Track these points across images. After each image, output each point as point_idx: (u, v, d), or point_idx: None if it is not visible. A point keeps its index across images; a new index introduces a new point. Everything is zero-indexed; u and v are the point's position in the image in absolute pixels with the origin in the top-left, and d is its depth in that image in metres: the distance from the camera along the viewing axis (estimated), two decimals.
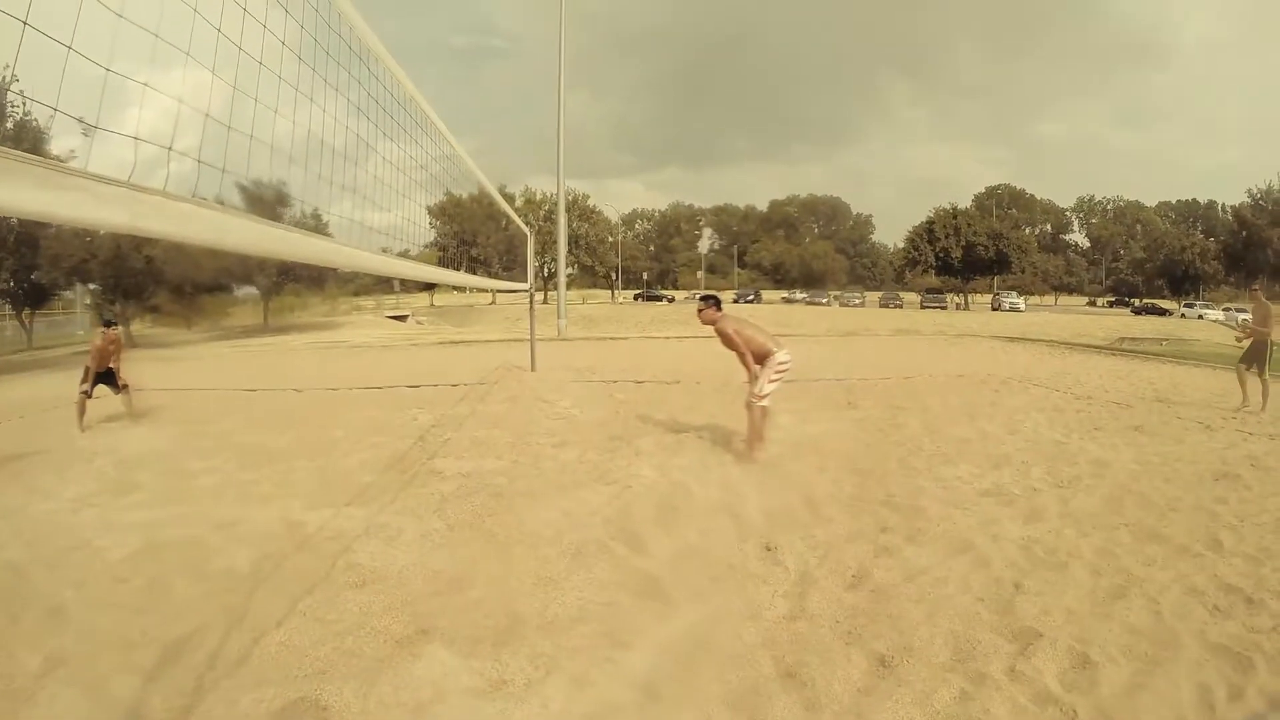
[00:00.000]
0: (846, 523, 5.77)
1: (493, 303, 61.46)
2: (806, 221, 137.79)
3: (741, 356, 7.89)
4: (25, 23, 1.80)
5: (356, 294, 64.45)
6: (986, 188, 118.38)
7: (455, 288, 67.05)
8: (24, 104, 27.74)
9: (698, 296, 8.56)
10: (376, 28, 4.09)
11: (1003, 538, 5.43)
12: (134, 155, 2.38)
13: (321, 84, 3.57)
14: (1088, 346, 24.38)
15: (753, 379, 7.82)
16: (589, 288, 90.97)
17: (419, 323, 51.56)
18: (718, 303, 8.22)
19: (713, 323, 8.03)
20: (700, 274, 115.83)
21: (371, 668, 3.82)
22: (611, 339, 27.60)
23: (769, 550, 5.19)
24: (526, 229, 16.67)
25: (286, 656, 4.02)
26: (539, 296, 16.68)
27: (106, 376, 11.81)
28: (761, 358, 7.86)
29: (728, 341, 7.93)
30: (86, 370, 11.66)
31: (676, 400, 11.44)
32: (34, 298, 37.28)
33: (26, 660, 4.29)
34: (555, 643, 3.98)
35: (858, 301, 74.69)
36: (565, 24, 32.22)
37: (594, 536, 5.41)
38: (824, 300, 77.87)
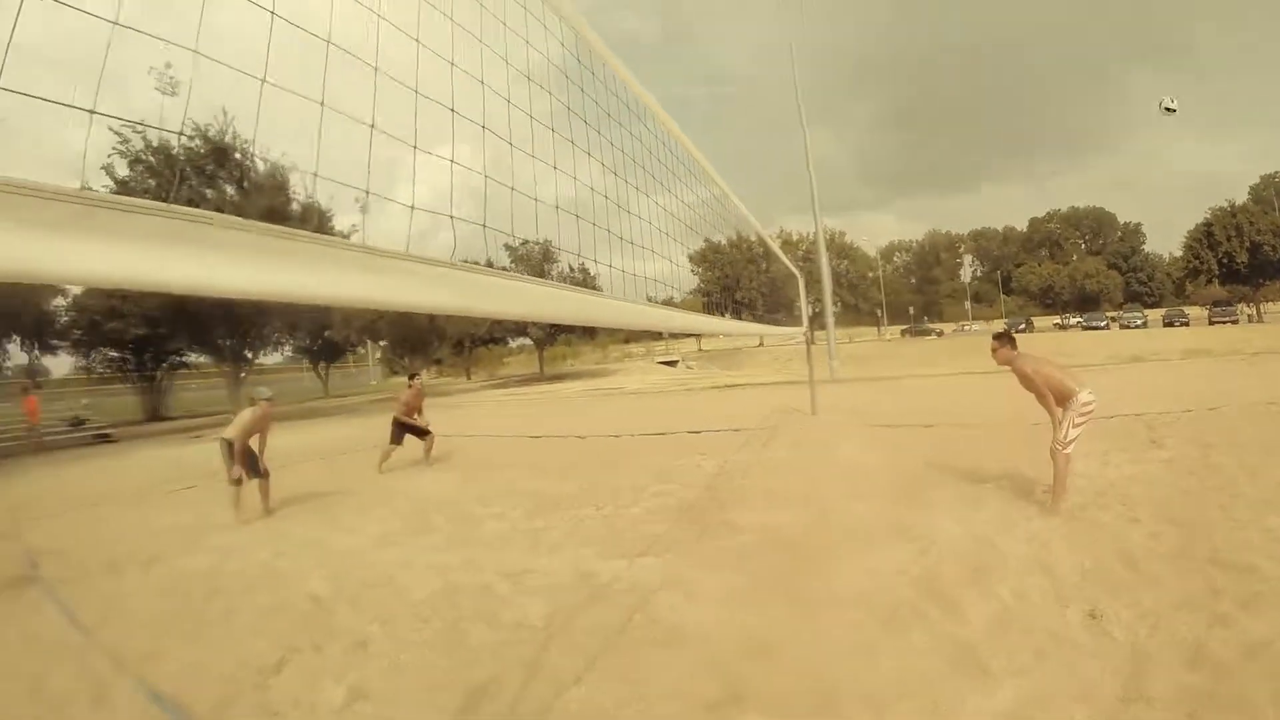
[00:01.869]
0: (1173, 584, 4.98)
1: (760, 345, 61.45)
2: (1071, 237, 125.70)
3: (1042, 399, 7.13)
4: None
5: (626, 341, 66.22)
6: (1261, 177, 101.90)
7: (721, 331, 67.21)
8: (309, 183, 31.03)
9: (992, 335, 7.83)
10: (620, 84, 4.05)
11: None
12: (409, 225, 2.46)
13: (578, 141, 3.56)
14: None
15: (1056, 424, 7.05)
16: (853, 325, 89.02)
17: (689, 367, 52.31)
18: (1012, 340, 7.48)
19: (1008, 363, 7.32)
20: (967, 304, 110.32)
21: None
22: (886, 379, 26.51)
23: (1093, 618, 4.56)
24: (796, 270, 16.35)
25: (590, 715, 3.86)
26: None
27: (410, 426, 12.68)
28: (1063, 399, 7.09)
29: (1026, 382, 7.20)
30: (395, 421, 12.57)
31: (966, 445, 10.63)
32: (329, 353, 40.98)
33: (330, 692, 4.37)
34: (877, 718, 3.62)
35: (1139, 322, 65.95)
36: (796, 64, 31.97)
37: (904, 598, 4.95)
38: (1101, 323, 69.05)
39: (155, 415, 37.03)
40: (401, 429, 12.76)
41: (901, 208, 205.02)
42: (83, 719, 4.37)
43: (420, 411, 13.01)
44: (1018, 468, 8.62)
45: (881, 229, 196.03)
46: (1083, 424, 7.09)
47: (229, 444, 9.47)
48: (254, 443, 9.79)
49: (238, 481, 9.44)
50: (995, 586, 5.05)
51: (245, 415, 9.65)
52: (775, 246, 16.80)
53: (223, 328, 30.24)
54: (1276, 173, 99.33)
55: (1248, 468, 8.14)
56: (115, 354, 34.07)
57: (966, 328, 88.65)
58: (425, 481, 11.32)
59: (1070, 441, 7.01)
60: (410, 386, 13.07)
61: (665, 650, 4.52)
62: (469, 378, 50.90)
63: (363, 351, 51.64)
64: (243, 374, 33.57)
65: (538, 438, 16.39)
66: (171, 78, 24.46)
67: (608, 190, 3.85)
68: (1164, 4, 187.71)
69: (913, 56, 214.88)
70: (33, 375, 32.24)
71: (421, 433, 12.93)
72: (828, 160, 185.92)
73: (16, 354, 31.12)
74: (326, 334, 39.25)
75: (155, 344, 30.81)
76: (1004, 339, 7.49)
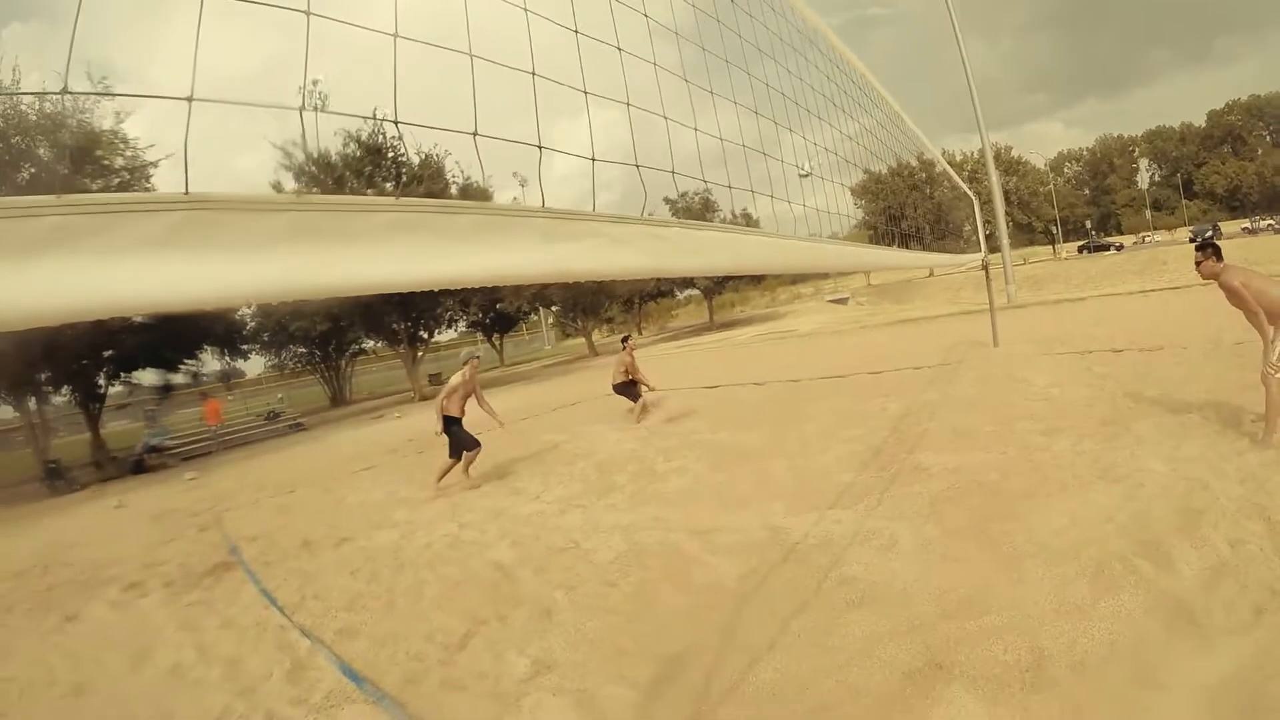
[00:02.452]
0: None
1: (930, 275, 59.54)
2: (1255, 129, 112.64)
3: (1252, 317, 6.34)
4: None
5: (794, 281, 65.35)
6: None
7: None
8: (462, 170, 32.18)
9: (1194, 245, 7.02)
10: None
11: None
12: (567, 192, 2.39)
13: (727, 85, 3.38)
14: None
15: (1268, 345, 6.21)
16: (1026, 245, 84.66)
17: (859, 304, 51.22)
18: (1217, 250, 6.68)
19: (1214, 276, 6.55)
20: (1147, 213, 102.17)
21: (881, 709, 3.35)
22: (1067, 301, 25.05)
23: None
24: (971, 194, 15.52)
25: (785, 687, 3.68)
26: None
27: (626, 387, 13.04)
28: (1276, 317, 6.25)
29: (1234, 298, 6.41)
30: (616, 386, 12.98)
31: (1165, 371, 9.72)
32: (502, 324, 42.29)
33: (514, 663, 4.32)
34: (1090, 686, 3.26)
35: None
36: None
37: (1113, 549, 4.50)
38: None
39: (341, 400, 39.08)
40: (627, 388, 13.20)
41: (1068, 115, 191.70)
42: (280, 694, 4.47)
43: (636, 371, 13.30)
44: (1223, 395, 7.86)
45: (1049, 139, 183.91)
46: None
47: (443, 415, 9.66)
48: (469, 406, 9.94)
49: (458, 452, 9.71)
50: (1208, 534, 4.51)
51: (455, 379, 9.82)
52: (944, 163, 15.98)
53: (397, 314, 31.46)
54: None
55: None
56: (302, 350, 36.03)
57: (1148, 239, 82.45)
58: (607, 440, 11.38)
59: None
60: (624, 349, 13.35)
61: (861, 612, 4.27)
62: (640, 333, 51.41)
63: (535, 319, 52.95)
64: (419, 353, 34.83)
65: (714, 388, 16.23)
66: (321, 93, 25.52)
67: (761, 131, 3.63)
68: None
69: None
70: (226, 378, 34.23)
71: (635, 395, 13.28)
72: (984, 72, 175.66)
73: (210, 361, 33.07)
74: (499, 306, 40.36)
75: (336, 336, 32.29)
76: (1209, 249, 6.70)
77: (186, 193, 1.18)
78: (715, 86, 3.35)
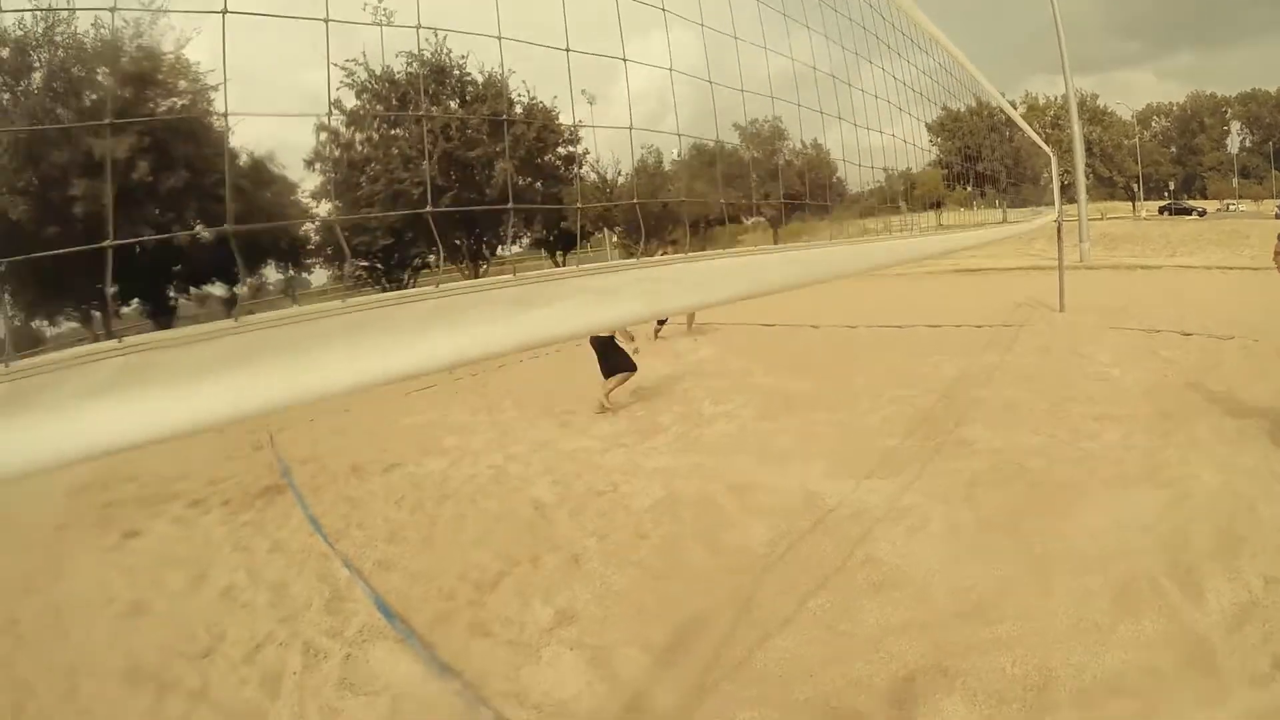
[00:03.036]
0: None
1: (1003, 221, 58.11)
2: None
3: None
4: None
5: (862, 215, 64.24)
6: None
7: (961, 205, 64.61)
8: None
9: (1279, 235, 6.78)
10: None
11: None
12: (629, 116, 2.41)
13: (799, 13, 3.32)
14: None
15: None
16: (1105, 199, 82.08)
17: None
18: None
19: None
20: (1234, 180, 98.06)
21: (877, 709, 3.39)
22: (1141, 268, 24.29)
23: None
24: (1049, 151, 15.07)
25: (790, 670, 3.74)
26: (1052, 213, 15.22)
27: None
28: None
29: None
30: None
31: (1234, 364, 9.34)
32: (564, 243, 42.34)
33: (539, 612, 4.45)
34: (1087, 717, 3.22)
35: None
36: None
37: (1144, 567, 4.37)
38: None
39: None
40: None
41: (1161, 65, 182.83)
42: (317, 624, 4.64)
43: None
44: None
45: (1138, 89, 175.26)
46: None
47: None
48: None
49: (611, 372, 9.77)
50: (1245, 566, 4.34)
51: None
52: (1022, 122, 15.50)
53: (460, 230, 31.58)
54: None
55: None
56: (364, 264, 36.33)
57: (1232, 207, 79.45)
58: (655, 376, 11.37)
59: None
60: None
61: (878, 598, 4.30)
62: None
63: (599, 237, 52.98)
64: (483, 268, 35.00)
65: (770, 326, 16.12)
66: (386, 9, 25.41)
67: (832, 60, 3.58)
68: None
69: None
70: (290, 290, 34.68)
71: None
72: (1075, 11, 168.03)
73: (273, 274, 33.50)
74: (562, 224, 40.47)
75: (399, 250, 32.54)
76: None
77: (120, 342, 1.22)
78: (789, 9, 3.30)
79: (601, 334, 12.67)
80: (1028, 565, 4.51)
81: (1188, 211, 68.91)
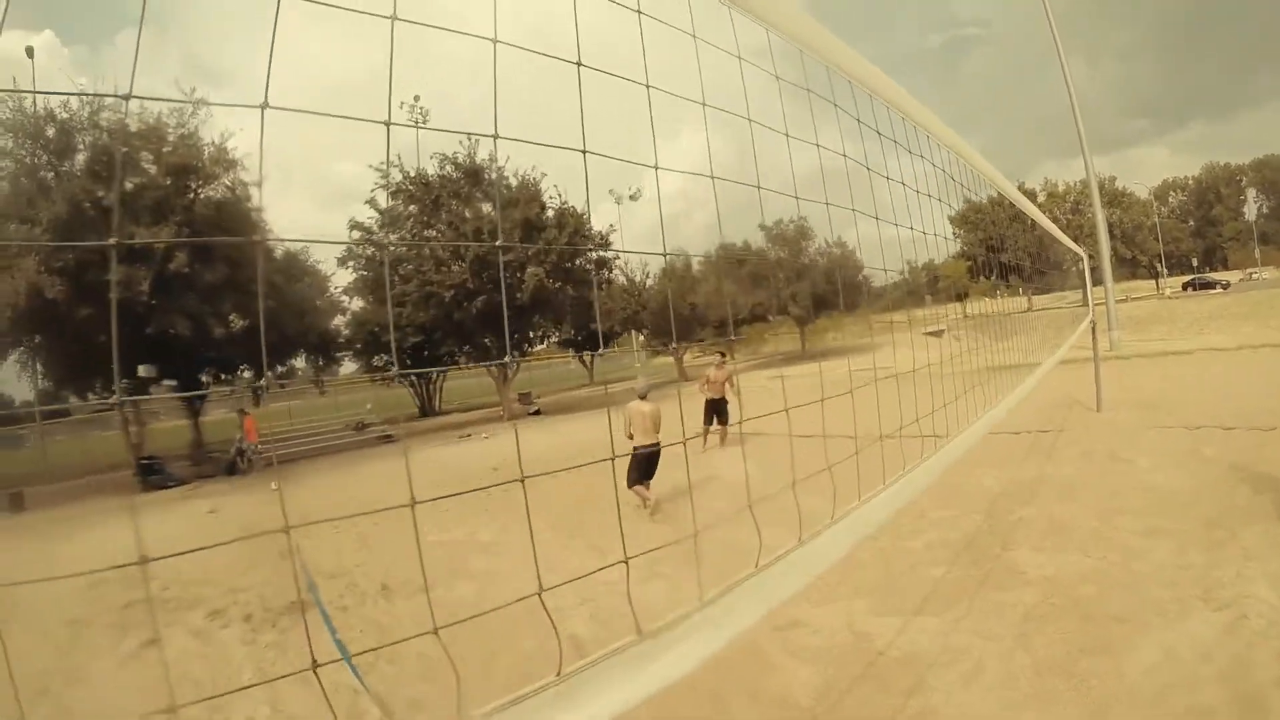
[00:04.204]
0: None
1: (1029, 309, 57.98)
2: None
3: None
4: None
5: (887, 309, 64.38)
6: None
7: (985, 294, 64.72)
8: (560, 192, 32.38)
9: None
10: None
11: None
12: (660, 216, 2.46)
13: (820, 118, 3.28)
14: None
15: None
16: (1128, 279, 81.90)
17: (956, 338, 50.03)
18: None
19: None
20: (1255, 248, 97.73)
21: None
22: (1172, 353, 23.96)
23: None
24: (1080, 250, 14.98)
25: None
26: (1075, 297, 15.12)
27: (717, 406, 13.03)
28: None
29: None
30: (706, 403, 12.80)
31: (1277, 457, 9.20)
32: (591, 344, 42.99)
33: None
34: None
35: None
36: None
37: (1206, 700, 4.20)
38: None
39: (430, 410, 39.65)
40: (712, 408, 13.17)
41: (1172, 139, 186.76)
42: None
43: (730, 388, 13.23)
44: None
45: (1153, 165, 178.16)
46: None
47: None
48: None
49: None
50: None
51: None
52: (1054, 228, 15.44)
53: (489, 330, 31.95)
54: None
55: None
56: (393, 359, 36.58)
57: (1254, 275, 79.87)
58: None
59: None
60: (720, 366, 13.42)
61: None
62: (732, 356, 51.28)
63: (625, 336, 53.46)
64: (511, 371, 35.24)
65: (808, 436, 15.79)
66: (422, 109, 26.12)
67: (856, 161, 3.56)
68: None
69: None
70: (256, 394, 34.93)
71: (723, 415, 13.16)
72: (1086, 95, 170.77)
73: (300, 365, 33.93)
74: (590, 325, 40.87)
75: (428, 348, 32.86)
76: None
77: None
78: (814, 108, 3.28)
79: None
80: (1086, 711, 4.31)
81: (1212, 285, 68.84)
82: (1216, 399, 13.98)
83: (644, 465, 10.11)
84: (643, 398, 10.41)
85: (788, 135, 2.89)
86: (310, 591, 8.19)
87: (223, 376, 29.74)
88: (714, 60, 2.50)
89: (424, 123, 26.14)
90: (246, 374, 29.85)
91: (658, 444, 10.07)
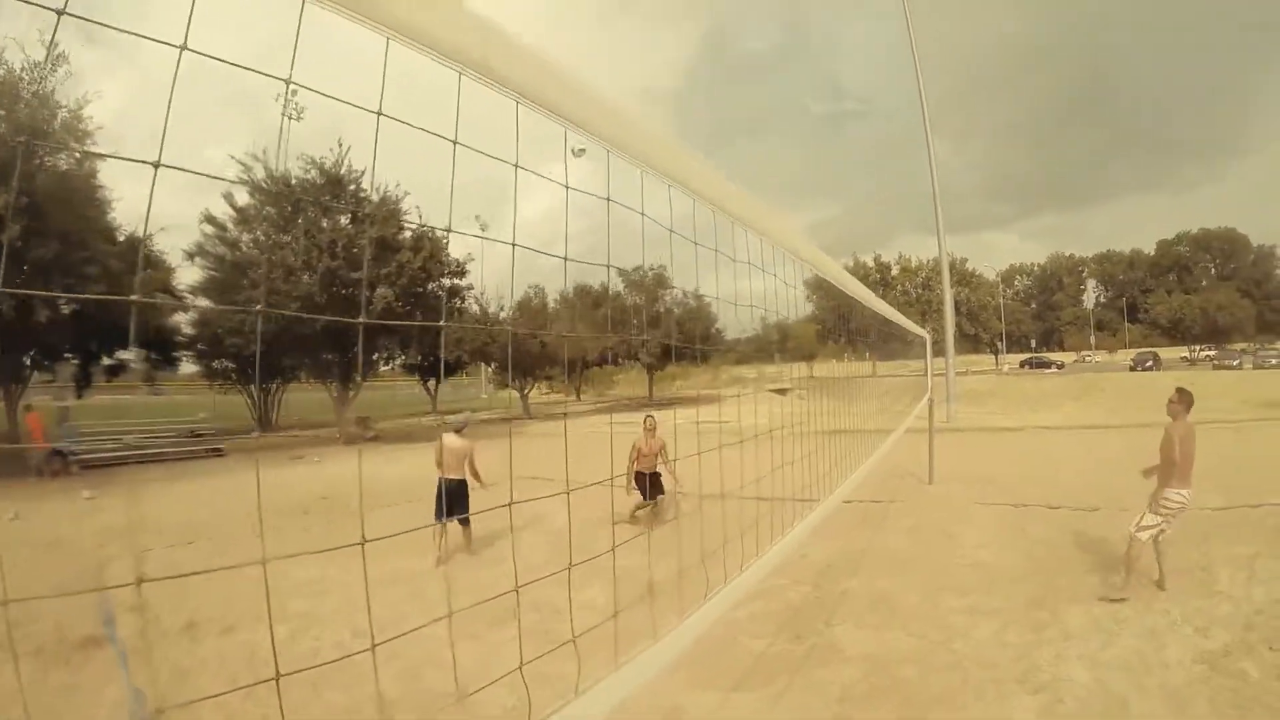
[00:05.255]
0: None
1: (873, 374, 59.81)
2: (1201, 262, 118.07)
3: (1164, 470, 7.47)
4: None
5: (738, 363, 65.35)
6: None
7: (834, 357, 67.14)
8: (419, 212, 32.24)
9: (1178, 389, 7.75)
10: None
11: None
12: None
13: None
14: None
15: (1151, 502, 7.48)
16: (970, 353, 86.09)
17: (800, 397, 51.00)
18: (1190, 402, 7.69)
19: (1176, 417, 7.60)
20: (1090, 333, 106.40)
21: None
22: (1006, 430, 25.01)
23: None
24: (924, 333, 15.39)
25: None
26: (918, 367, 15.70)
27: (651, 480, 11.73)
28: (1168, 481, 7.44)
29: (1168, 447, 7.41)
30: (636, 476, 11.58)
31: (1099, 538, 9.58)
32: (436, 372, 42.18)
33: None
34: None
35: (1276, 361, 58.30)
36: (920, 76, 30.64)
37: None
38: (1234, 361, 62.76)
39: (266, 424, 37.99)
40: (642, 480, 11.62)
41: (1026, 227, 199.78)
42: None
43: (664, 462, 11.59)
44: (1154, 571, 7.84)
45: (1004, 249, 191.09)
46: (1165, 517, 7.44)
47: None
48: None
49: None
50: None
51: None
52: (896, 314, 15.81)
53: (331, 347, 30.92)
54: None
55: None
56: (234, 366, 34.93)
57: (1087, 357, 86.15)
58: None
59: (1146, 528, 7.46)
60: (652, 433, 11.68)
61: None
62: (578, 397, 51.12)
63: (475, 368, 52.64)
64: (353, 391, 34.16)
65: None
66: (297, 104, 25.14)
67: (717, 213, 3.43)
68: None
69: (1048, 56, 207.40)
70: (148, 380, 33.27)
71: (657, 489, 11.74)
72: (951, 175, 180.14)
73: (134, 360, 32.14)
74: (436, 355, 40.04)
75: (269, 359, 31.59)
76: (1186, 397, 7.64)
77: None
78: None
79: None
80: None
81: (1047, 365, 73.23)
82: (1043, 477, 14.63)
83: (447, 500, 9.87)
84: (458, 432, 10.49)
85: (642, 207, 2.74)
86: (106, 626, 7.43)
87: (46, 364, 27.93)
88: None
89: (299, 118, 24.88)
90: (71, 364, 28.12)
91: (464, 479, 10.18)
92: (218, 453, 27.05)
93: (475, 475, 10.36)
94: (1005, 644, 6.47)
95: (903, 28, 30.54)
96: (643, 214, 2.63)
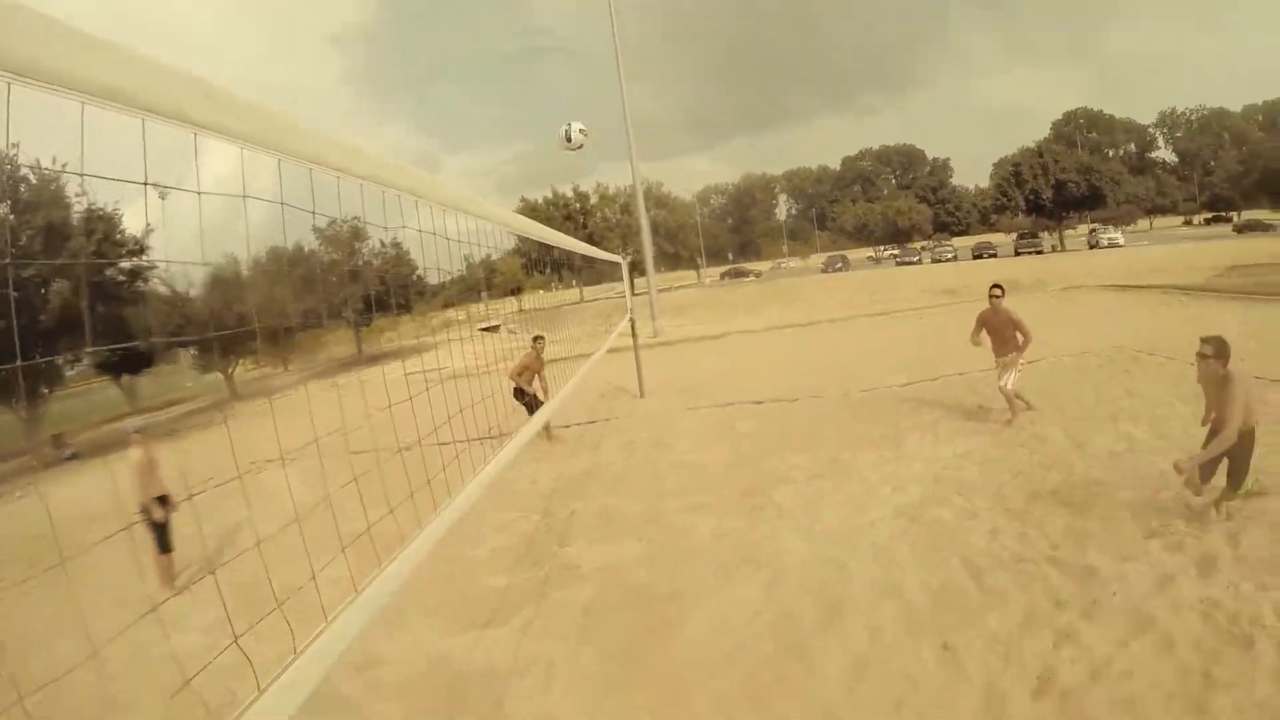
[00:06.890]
0: (1018, 598, 4.99)
1: (580, 301, 60.82)
2: (883, 174, 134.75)
3: (997, 345, 9.42)
4: None
5: (446, 306, 64.68)
6: (1065, 113, 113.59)
7: (541, 288, 67.85)
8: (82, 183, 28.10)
9: (993, 284, 9.64)
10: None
11: (1181, 604, 4.61)
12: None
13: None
14: (1205, 291, 20.47)
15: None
16: (672, 269, 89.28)
17: (511, 332, 50.95)
18: (1002, 294, 9.40)
19: (1003, 311, 9.29)
20: (784, 245, 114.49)
21: None
22: (709, 338, 26.23)
23: (946, 650, 4.51)
24: (619, 258, 15.90)
25: None
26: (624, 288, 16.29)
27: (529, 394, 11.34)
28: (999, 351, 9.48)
29: (1015, 326, 9.16)
30: (515, 389, 11.20)
31: (800, 426, 10.57)
32: (132, 366, 38.14)
33: None
34: None
35: (950, 255, 64.24)
36: (616, 14, 31.38)
37: (763, 654, 4.77)
38: (914, 259, 67.69)
39: None
40: (522, 396, 11.19)
41: (719, 153, 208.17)
42: None
43: (541, 377, 11.59)
44: (846, 452, 8.89)
45: (698, 173, 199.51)
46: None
47: None
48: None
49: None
50: (849, 625, 4.97)
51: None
52: (588, 248, 16.11)
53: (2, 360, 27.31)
54: (1078, 110, 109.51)
55: (1073, 437, 8.37)
56: None
57: (782, 264, 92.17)
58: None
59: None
60: (533, 349, 11.66)
61: None
62: (287, 367, 48.71)
63: (174, 355, 48.57)
64: (39, 406, 30.50)
65: (359, 453, 15.20)
66: None
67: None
68: None
69: None
70: None
71: (536, 405, 10.83)
72: (647, 107, 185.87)
73: None
74: (126, 346, 36.26)
75: None
76: (1001, 290, 9.44)
77: None
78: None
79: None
80: (660, 691, 4.64)
81: (745, 274, 77.09)
82: (747, 376, 15.77)
83: (157, 531, 7.93)
84: (135, 445, 8.13)
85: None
86: None
87: None
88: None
89: None
90: None
91: (165, 495, 8.08)
92: None
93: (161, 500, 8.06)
94: (726, 532, 7.06)
95: None
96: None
